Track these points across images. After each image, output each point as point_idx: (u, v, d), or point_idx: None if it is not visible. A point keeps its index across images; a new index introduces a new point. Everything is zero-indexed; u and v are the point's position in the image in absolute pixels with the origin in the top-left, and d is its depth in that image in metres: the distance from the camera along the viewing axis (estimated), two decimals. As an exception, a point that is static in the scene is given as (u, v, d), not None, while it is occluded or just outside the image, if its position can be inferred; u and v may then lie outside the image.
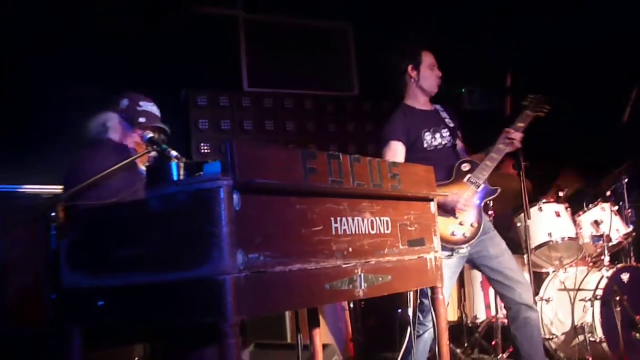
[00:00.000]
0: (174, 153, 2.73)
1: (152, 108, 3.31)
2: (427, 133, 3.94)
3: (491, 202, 4.15)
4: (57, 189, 3.25)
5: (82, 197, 2.70)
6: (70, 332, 2.29)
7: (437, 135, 3.96)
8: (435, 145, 3.94)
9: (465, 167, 3.93)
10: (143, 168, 3.14)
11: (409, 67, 4.01)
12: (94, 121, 3.23)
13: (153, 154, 2.96)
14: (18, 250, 3.42)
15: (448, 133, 4.01)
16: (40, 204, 2.50)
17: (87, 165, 2.96)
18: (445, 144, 3.99)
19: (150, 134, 2.93)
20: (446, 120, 4.06)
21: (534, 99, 4.03)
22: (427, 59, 4.03)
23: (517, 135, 3.91)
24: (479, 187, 3.89)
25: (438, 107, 4.11)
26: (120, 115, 3.25)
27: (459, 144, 4.09)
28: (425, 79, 4.01)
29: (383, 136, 3.94)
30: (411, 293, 2.98)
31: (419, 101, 4.04)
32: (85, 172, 2.84)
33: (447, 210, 3.79)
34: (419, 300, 3.48)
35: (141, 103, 3.27)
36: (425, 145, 3.90)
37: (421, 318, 3.62)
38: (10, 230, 3.44)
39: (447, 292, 3.91)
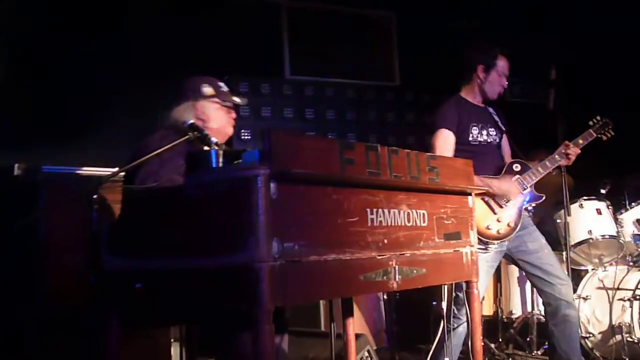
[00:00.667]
0: (214, 139, 2.74)
1: (226, 87, 3.28)
2: (475, 128, 3.92)
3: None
4: (108, 171, 3.26)
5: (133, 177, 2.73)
6: (109, 314, 2.34)
7: (484, 132, 3.94)
8: (480, 141, 3.92)
9: (517, 167, 3.96)
10: None
11: (480, 67, 3.95)
12: (182, 111, 3.11)
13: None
14: (63, 231, 3.49)
15: (495, 132, 3.99)
16: (85, 185, 2.54)
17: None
18: (491, 142, 3.97)
19: (192, 120, 2.92)
20: (495, 119, 4.03)
21: (601, 121, 4.14)
22: (502, 64, 3.97)
23: (574, 151, 3.99)
24: (525, 189, 3.91)
25: (490, 109, 4.08)
26: (215, 102, 3.17)
27: (506, 146, 4.08)
28: (491, 83, 3.96)
29: (434, 124, 3.89)
30: (446, 286, 2.97)
31: (474, 98, 4.01)
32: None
33: (496, 198, 3.82)
34: (454, 294, 3.48)
35: (220, 84, 3.23)
36: (470, 138, 3.88)
37: (456, 312, 3.61)
38: (57, 210, 3.50)
39: (483, 287, 3.89)
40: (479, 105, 4.02)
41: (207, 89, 3.17)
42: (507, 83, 4.02)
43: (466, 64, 4.01)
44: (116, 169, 2.70)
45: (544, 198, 3.98)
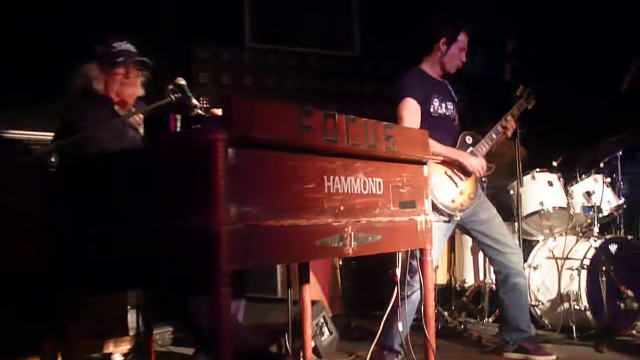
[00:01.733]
0: (194, 102, 2.73)
1: (126, 46, 3.22)
2: (436, 99, 3.95)
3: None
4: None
5: (78, 145, 2.71)
6: (65, 276, 2.34)
7: (444, 104, 3.99)
8: (440, 113, 3.97)
9: (469, 139, 4.06)
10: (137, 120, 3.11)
11: (442, 39, 3.98)
12: (76, 74, 3.16)
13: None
14: (17, 195, 3.45)
15: (452, 107, 4.05)
16: (39, 150, 2.51)
17: (78, 117, 2.95)
18: (449, 115, 4.03)
19: (182, 80, 2.87)
20: (452, 94, 4.09)
21: (526, 90, 4.26)
22: (462, 40, 4.01)
23: (510, 125, 4.13)
24: (484, 169, 4.00)
25: (446, 81, 4.13)
26: (99, 62, 3.16)
27: (457, 119, 4.16)
28: (451, 57, 4.00)
29: (397, 93, 3.90)
30: (400, 254, 3.03)
31: (434, 71, 4.05)
32: (78, 122, 2.85)
33: (457, 171, 3.91)
34: (407, 262, 3.56)
35: (114, 44, 3.17)
36: (432, 110, 3.92)
37: (409, 279, 3.68)
38: (7, 175, 3.46)
39: (437, 255, 3.98)
40: (438, 78, 4.07)
41: (99, 49, 3.17)
42: (465, 59, 4.07)
43: (429, 36, 4.05)
44: (74, 137, 2.66)
45: (493, 169, 4.07)
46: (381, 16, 6.71)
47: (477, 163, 3.94)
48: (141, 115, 3.05)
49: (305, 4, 6.59)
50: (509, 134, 4.16)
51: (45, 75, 4.69)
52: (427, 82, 3.98)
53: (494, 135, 4.09)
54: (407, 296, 3.73)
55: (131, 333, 3.86)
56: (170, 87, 2.79)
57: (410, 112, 3.84)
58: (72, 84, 3.13)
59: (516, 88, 4.29)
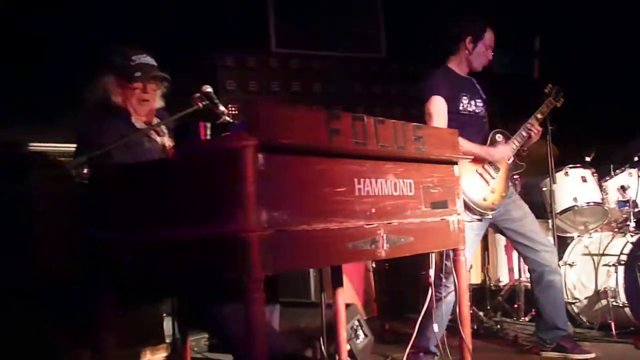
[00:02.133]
0: (222, 108, 2.74)
1: (145, 59, 3.13)
2: (465, 97, 3.96)
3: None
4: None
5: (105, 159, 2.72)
6: (99, 287, 2.36)
7: (473, 102, 3.99)
8: (469, 111, 3.97)
9: (499, 137, 4.07)
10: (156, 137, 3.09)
11: (468, 38, 3.99)
12: (93, 87, 3.10)
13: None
14: (49, 206, 3.50)
15: (481, 104, 4.04)
16: (71, 162, 2.53)
17: (94, 132, 2.94)
18: (478, 112, 4.02)
19: (209, 88, 2.87)
20: (480, 92, 4.09)
21: (554, 88, 4.23)
22: (489, 37, 4.02)
23: (536, 128, 4.11)
24: (509, 159, 3.97)
25: (473, 79, 4.12)
26: (117, 76, 3.08)
27: (487, 117, 4.13)
28: (478, 55, 4.01)
29: (425, 91, 3.92)
30: (433, 255, 3.01)
31: (461, 69, 4.05)
32: (94, 137, 2.85)
33: (488, 170, 3.92)
34: (442, 263, 3.54)
35: (133, 57, 3.10)
36: (461, 108, 3.93)
37: (444, 280, 3.66)
38: (39, 186, 3.50)
39: (470, 255, 3.96)
40: (465, 76, 4.06)
41: (116, 62, 3.10)
42: (492, 55, 4.06)
43: (454, 35, 4.05)
44: (103, 150, 2.67)
45: (524, 167, 4.07)
46: (406, 17, 6.69)
47: (503, 152, 3.93)
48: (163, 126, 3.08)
49: (329, 8, 6.59)
50: (533, 136, 4.14)
51: (65, 86, 4.76)
52: (455, 80, 3.98)
53: (524, 133, 4.08)
54: (443, 297, 3.71)
55: (167, 340, 3.89)
56: (197, 95, 2.81)
57: (438, 110, 3.84)
58: (89, 97, 3.11)
59: (544, 86, 4.27)
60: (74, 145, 3.61)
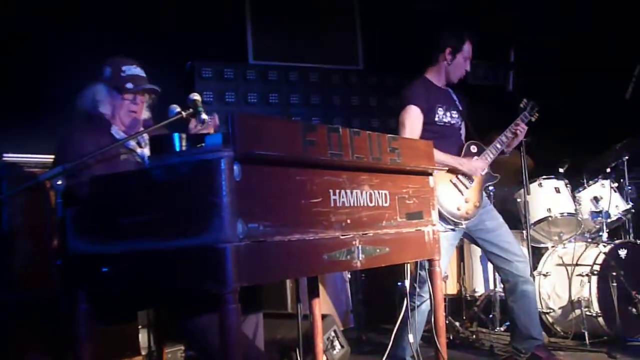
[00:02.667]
0: (203, 117, 2.75)
1: (135, 70, 3.15)
2: (441, 108, 4.00)
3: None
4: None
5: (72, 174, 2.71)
6: (77, 298, 2.35)
7: (448, 113, 4.03)
8: (445, 122, 4.01)
9: (474, 148, 4.10)
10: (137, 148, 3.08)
11: (448, 49, 4.04)
12: (84, 95, 3.10)
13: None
14: (24, 217, 3.48)
15: (457, 115, 4.08)
16: (46, 173, 2.51)
17: (80, 141, 2.93)
18: (454, 124, 4.06)
19: (196, 96, 2.88)
20: (457, 103, 4.13)
21: (529, 103, 4.29)
22: (467, 49, 4.08)
23: (523, 127, 4.17)
24: (483, 171, 4.01)
25: (450, 90, 4.17)
26: (108, 86, 3.09)
27: (463, 128, 4.17)
28: (455, 66, 4.07)
29: (402, 100, 3.97)
30: (409, 265, 3.03)
31: (439, 80, 4.10)
32: (80, 146, 2.84)
33: (462, 180, 3.95)
34: (417, 273, 3.56)
35: (124, 68, 3.10)
36: (437, 118, 3.97)
37: (418, 290, 3.68)
38: (16, 198, 3.48)
39: (445, 264, 3.99)
40: (443, 87, 4.11)
41: (107, 72, 3.11)
42: (469, 67, 4.11)
43: (434, 45, 4.09)
44: (81, 160, 2.66)
45: (498, 178, 4.12)
46: (384, 30, 6.74)
47: (477, 165, 3.97)
48: (146, 135, 3.07)
49: (307, 20, 6.62)
50: (513, 145, 4.20)
51: (44, 97, 4.75)
52: (432, 91, 4.02)
53: (498, 145, 4.13)
54: (417, 307, 3.73)
55: (143, 353, 3.87)
56: (174, 105, 2.82)
57: (412, 119, 3.89)
58: (77, 106, 3.12)
59: (519, 100, 4.33)
60: (50, 156, 3.60)
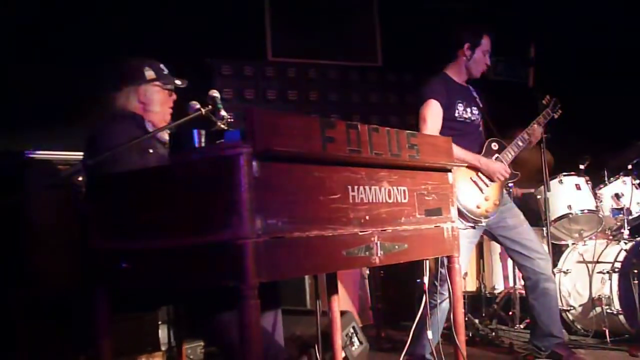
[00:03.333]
0: (223, 113, 2.77)
1: (166, 70, 3.22)
2: (460, 104, 3.98)
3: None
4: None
5: (104, 165, 2.74)
6: (97, 293, 2.37)
7: (469, 109, 4.01)
8: (465, 118, 3.99)
9: (495, 146, 4.09)
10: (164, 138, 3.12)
11: (466, 45, 4.03)
12: (117, 96, 3.12)
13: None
14: (47, 214, 3.51)
15: (477, 112, 4.06)
16: (67, 170, 2.53)
17: (104, 136, 2.94)
18: (474, 120, 4.04)
19: (215, 93, 2.91)
20: (477, 99, 4.11)
21: (552, 100, 4.30)
22: (486, 43, 4.06)
23: (535, 136, 4.17)
24: (501, 175, 4.00)
25: (470, 87, 4.15)
26: (156, 86, 3.13)
27: (482, 126, 4.17)
28: (476, 62, 4.05)
29: (422, 95, 3.95)
30: (428, 262, 3.02)
31: (459, 77, 4.08)
32: (104, 141, 2.86)
33: (483, 178, 3.93)
34: (437, 270, 3.55)
35: (162, 67, 3.19)
36: (456, 114, 3.95)
37: (439, 288, 3.67)
38: (40, 195, 3.51)
39: (465, 262, 3.97)
40: (463, 84, 4.09)
41: (149, 72, 3.14)
42: (489, 62, 4.09)
43: (453, 42, 4.08)
44: (102, 155, 2.67)
45: (519, 176, 4.09)
46: (403, 27, 6.72)
47: (496, 167, 3.94)
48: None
49: (326, 17, 6.62)
50: (534, 142, 4.19)
51: (70, 95, 4.78)
52: (452, 87, 4.01)
53: (520, 143, 4.11)
54: (438, 304, 3.72)
55: (163, 348, 3.89)
56: (194, 102, 2.84)
57: (433, 113, 3.87)
58: (114, 107, 3.12)
59: (542, 96, 4.31)
60: (74, 153, 3.63)
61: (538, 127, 4.18)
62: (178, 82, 3.19)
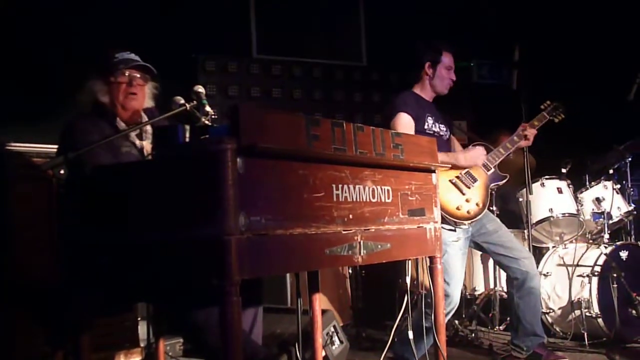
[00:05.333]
0: (208, 109, 2.74)
1: (128, 55, 3.14)
2: (430, 118, 3.99)
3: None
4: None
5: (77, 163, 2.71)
6: (77, 287, 2.35)
7: (437, 124, 4.03)
8: (434, 131, 3.99)
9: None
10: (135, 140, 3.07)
11: (427, 64, 4.03)
12: (82, 90, 3.10)
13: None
14: (25, 206, 3.47)
15: (445, 128, 4.09)
16: (47, 162, 2.50)
17: (78, 133, 2.91)
18: (442, 135, 4.05)
19: (200, 88, 2.87)
20: (444, 117, 4.14)
21: (552, 105, 4.33)
22: (446, 60, 4.05)
23: (531, 132, 4.18)
24: (489, 170, 4.04)
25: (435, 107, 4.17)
26: (101, 74, 3.08)
27: (455, 144, 4.23)
28: (439, 79, 4.05)
29: (393, 108, 3.95)
30: (410, 262, 3.02)
31: (426, 94, 4.09)
32: (84, 134, 2.83)
33: (463, 179, 3.94)
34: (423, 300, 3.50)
35: (116, 55, 3.11)
36: (426, 127, 3.95)
37: (429, 312, 3.59)
38: (17, 186, 3.48)
39: (462, 274, 3.96)
40: (430, 102, 4.10)
41: (102, 62, 3.10)
42: (454, 77, 4.09)
43: (414, 62, 4.09)
44: (84, 149, 2.64)
45: (507, 178, 4.10)
46: (387, 26, 6.73)
47: (474, 154, 3.97)
48: (148, 127, 3.06)
49: (311, 15, 6.61)
50: (530, 141, 4.20)
51: (47, 88, 4.74)
52: (421, 102, 4.03)
53: (508, 145, 4.13)
54: (426, 328, 3.61)
55: (142, 344, 3.87)
56: (178, 97, 2.81)
57: (405, 125, 3.86)
58: (80, 99, 3.10)
59: (527, 99, 4.33)
60: (53, 146, 3.58)
61: (531, 129, 4.18)
62: (135, 73, 3.09)
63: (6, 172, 3.55)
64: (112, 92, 3.07)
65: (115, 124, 3.03)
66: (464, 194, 3.91)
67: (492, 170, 4.06)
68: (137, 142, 3.05)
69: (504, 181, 4.13)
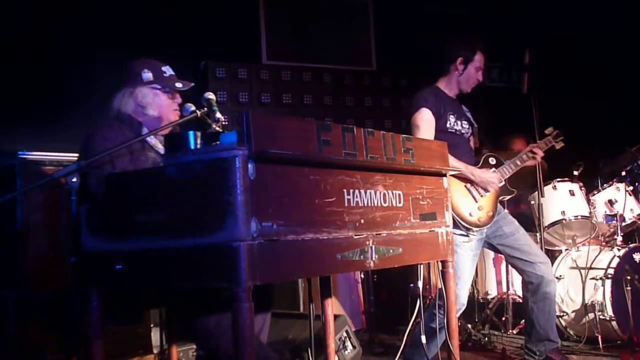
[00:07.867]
0: (218, 116, 2.74)
1: (171, 70, 3.16)
2: (452, 116, 3.97)
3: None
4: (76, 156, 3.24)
5: (100, 167, 2.72)
6: (90, 295, 2.35)
7: (459, 122, 4.00)
8: (456, 130, 3.97)
9: (492, 161, 4.11)
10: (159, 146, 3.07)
11: (459, 59, 4.00)
12: (119, 99, 3.06)
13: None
14: (39, 215, 3.49)
15: (467, 126, 4.06)
16: (60, 170, 2.51)
17: (102, 137, 2.90)
18: (464, 133, 4.03)
19: (211, 95, 2.87)
20: (467, 114, 4.11)
21: (555, 132, 4.39)
22: (479, 59, 4.04)
23: (540, 153, 4.21)
24: (500, 182, 4.02)
25: (462, 105, 4.15)
26: (154, 88, 3.07)
27: (472, 140, 4.19)
28: (467, 77, 4.03)
29: (414, 104, 3.93)
30: (422, 266, 3.02)
31: (450, 90, 4.07)
32: (102, 144, 2.82)
33: (478, 187, 3.93)
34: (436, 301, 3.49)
35: (163, 69, 3.12)
36: (448, 125, 3.93)
37: (438, 314, 3.59)
38: (31, 195, 3.50)
39: (471, 274, 3.94)
40: (454, 98, 4.08)
41: (147, 75, 3.07)
42: (482, 78, 4.09)
43: (445, 55, 4.06)
44: (97, 157, 2.64)
45: (515, 194, 4.10)
46: (397, 32, 6.73)
47: (489, 177, 3.93)
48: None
49: (321, 21, 6.63)
50: (531, 164, 4.22)
51: (59, 96, 4.77)
52: (443, 99, 4.00)
53: (518, 162, 4.13)
54: (438, 329, 3.61)
55: (155, 351, 3.88)
56: (189, 104, 2.82)
57: (426, 121, 3.85)
58: (113, 109, 3.07)
59: (532, 98, 4.32)
60: (66, 154, 3.61)
61: (539, 151, 4.20)
62: (179, 84, 3.12)
63: (19, 181, 3.57)
64: (162, 106, 3.09)
65: (140, 131, 3.03)
66: (477, 202, 3.90)
67: (503, 182, 4.07)
68: (159, 145, 3.05)
69: (511, 196, 4.12)
